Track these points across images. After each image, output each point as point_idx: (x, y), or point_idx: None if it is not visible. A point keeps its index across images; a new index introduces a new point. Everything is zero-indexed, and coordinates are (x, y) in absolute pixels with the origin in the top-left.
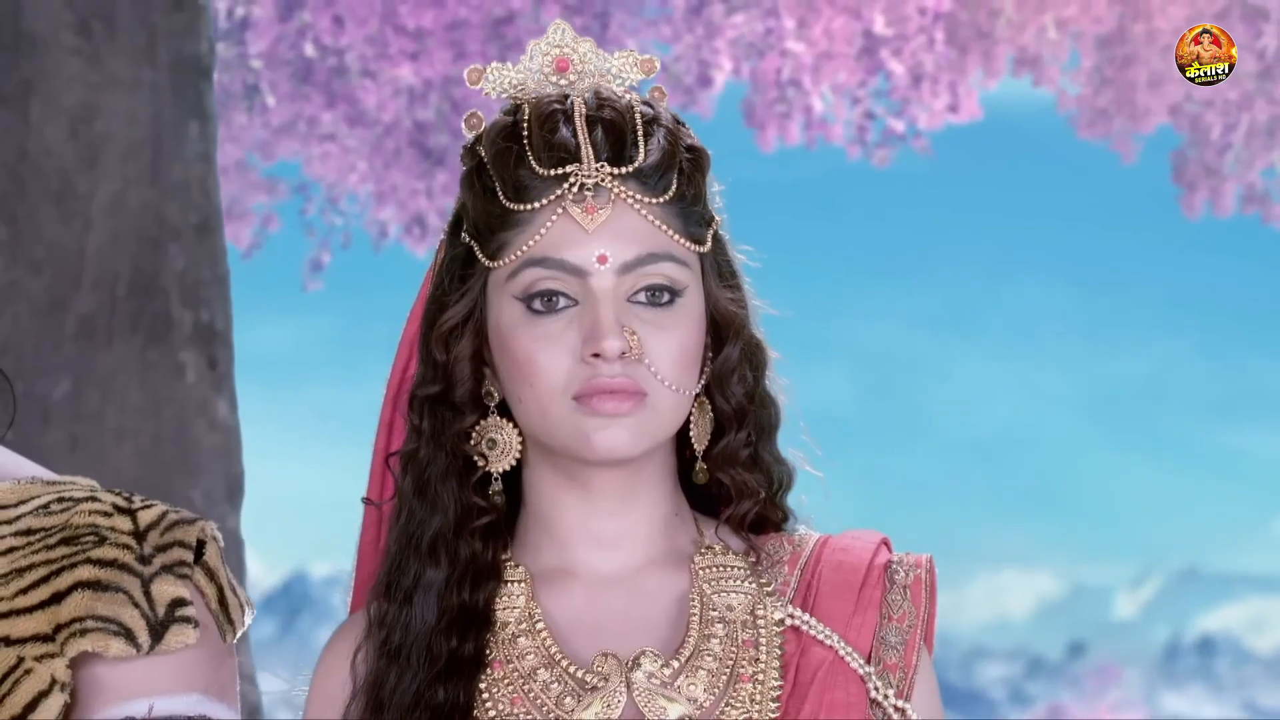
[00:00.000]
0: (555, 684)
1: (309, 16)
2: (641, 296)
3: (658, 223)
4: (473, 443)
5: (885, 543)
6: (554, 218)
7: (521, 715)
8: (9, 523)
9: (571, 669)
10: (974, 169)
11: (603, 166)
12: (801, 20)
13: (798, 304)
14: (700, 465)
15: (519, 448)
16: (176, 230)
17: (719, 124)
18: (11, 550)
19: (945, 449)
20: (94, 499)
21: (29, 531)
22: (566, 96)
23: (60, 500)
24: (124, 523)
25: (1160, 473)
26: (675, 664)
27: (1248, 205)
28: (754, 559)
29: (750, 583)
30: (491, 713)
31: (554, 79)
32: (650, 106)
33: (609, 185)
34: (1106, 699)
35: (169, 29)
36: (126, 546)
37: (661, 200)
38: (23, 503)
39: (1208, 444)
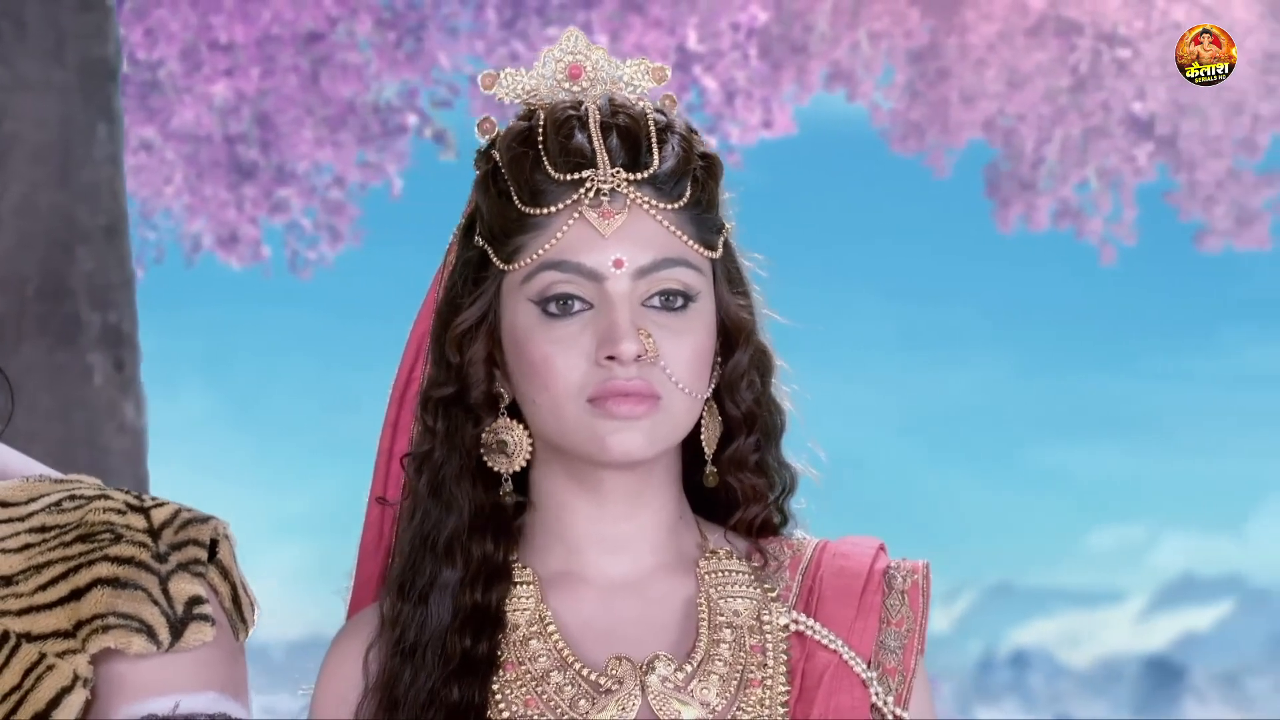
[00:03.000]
0: (569, 686)
1: (123, 30)
2: (656, 301)
3: (672, 228)
4: (482, 443)
5: (883, 548)
6: (570, 222)
7: (535, 716)
8: (22, 519)
9: (585, 671)
10: (788, 184)
11: (619, 172)
12: (614, 34)
13: None
14: (710, 469)
15: (529, 449)
16: (85, 233)
17: None
18: (27, 547)
19: None
20: (105, 496)
21: (43, 529)
22: (580, 103)
23: (72, 498)
24: (138, 520)
25: (974, 489)
26: (688, 668)
27: (1061, 220)
28: (757, 564)
29: (754, 588)
30: (505, 713)
31: (566, 85)
32: (663, 114)
33: (625, 190)
34: None
35: (78, 30)
36: (142, 544)
37: (676, 206)
38: (33, 500)
39: (1022, 459)
